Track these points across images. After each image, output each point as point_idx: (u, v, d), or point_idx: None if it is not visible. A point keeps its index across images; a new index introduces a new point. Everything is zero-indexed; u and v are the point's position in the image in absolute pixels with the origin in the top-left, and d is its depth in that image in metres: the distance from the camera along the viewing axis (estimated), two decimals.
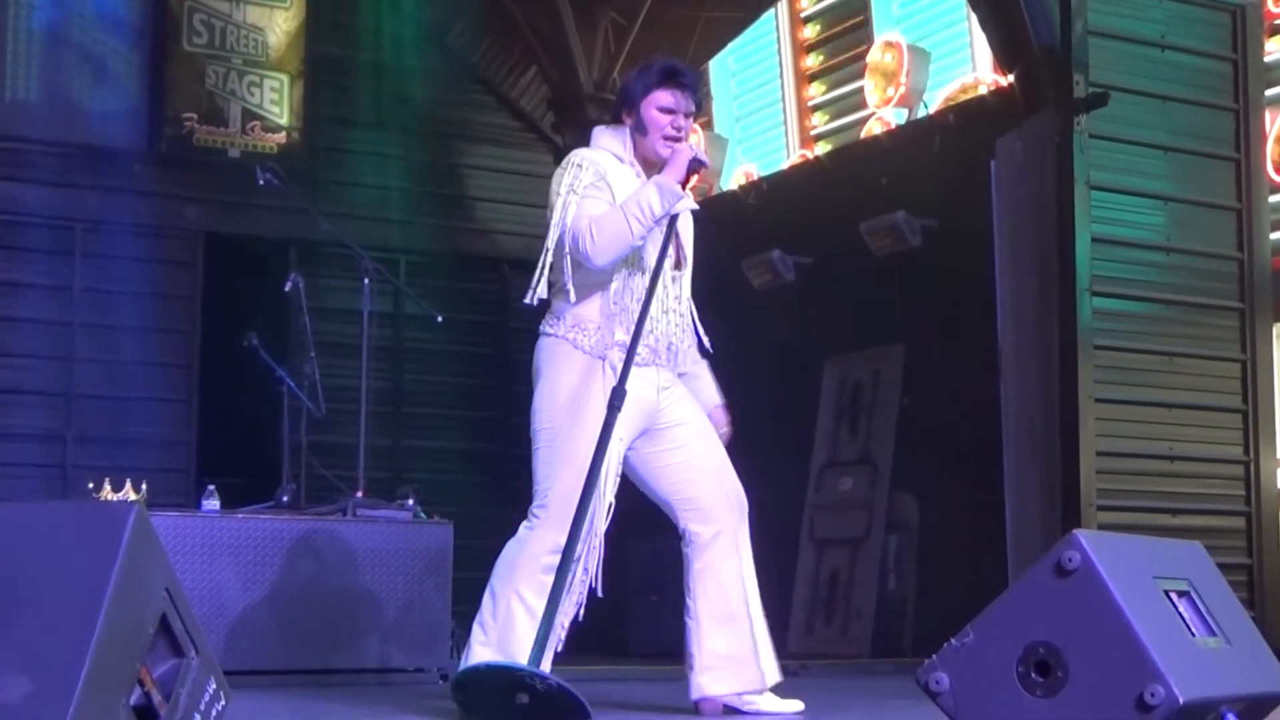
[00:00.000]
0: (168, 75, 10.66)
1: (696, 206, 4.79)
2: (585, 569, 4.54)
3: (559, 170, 4.74)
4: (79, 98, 10.36)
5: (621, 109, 4.82)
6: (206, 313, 10.57)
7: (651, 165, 4.75)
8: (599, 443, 4.22)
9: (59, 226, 10.25)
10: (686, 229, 4.87)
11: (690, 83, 4.83)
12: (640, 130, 4.75)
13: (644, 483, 4.81)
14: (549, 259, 4.64)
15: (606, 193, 4.64)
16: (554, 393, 4.63)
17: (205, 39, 10.75)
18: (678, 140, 4.73)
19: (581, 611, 4.54)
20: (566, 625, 4.53)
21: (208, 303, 10.60)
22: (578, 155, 4.74)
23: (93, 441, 10.06)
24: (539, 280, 4.65)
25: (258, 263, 10.39)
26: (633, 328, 4.49)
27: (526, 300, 4.70)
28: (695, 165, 4.67)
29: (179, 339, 10.55)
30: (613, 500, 4.57)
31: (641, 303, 4.53)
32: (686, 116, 4.79)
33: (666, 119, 4.74)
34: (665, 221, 4.58)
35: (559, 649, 4.53)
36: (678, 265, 4.78)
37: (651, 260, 4.63)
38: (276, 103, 10.92)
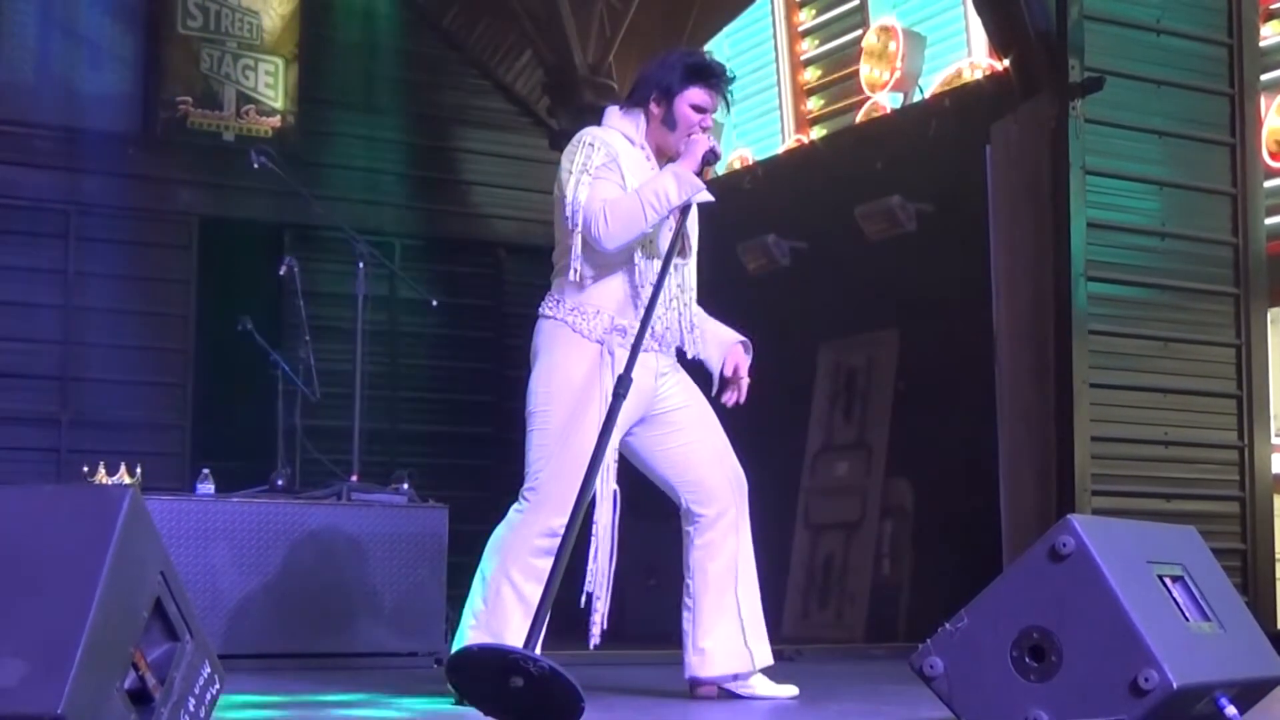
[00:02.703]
0: (162, 59, 10.66)
1: (713, 199, 4.69)
2: (596, 561, 4.53)
3: (570, 147, 4.66)
4: (73, 81, 10.35)
5: (649, 95, 4.72)
6: (200, 297, 10.58)
7: (663, 152, 4.73)
8: (602, 431, 4.18)
9: (53, 210, 10.27)
10: (691, 217, 4.85)
11: (722, 83, 4.77)
12: (669, 124, 4.68)
13: (645, 466, 4.80)
14: (572, 239, 4.55)
15: (617, 174, 4.59)
16: (550, 376, 4.61)
17: (200, 22, 10.74)
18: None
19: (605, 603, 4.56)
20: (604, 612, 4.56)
21: (202, 287, 10.60)
22: (589, 134, 4.68)
23: (87, 425, 10.08)
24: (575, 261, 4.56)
25: (252, 247, 10.39)
26: (641, 314, 4.45)
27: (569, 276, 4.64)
28: (711, 157, 4.64)
29: (173, 323, 10.56)
30: (615, 488, 4.57)
31: (652, 290, 4.47)
32: (713, 114, 4.78)
33: (698, 118, 4.69)
34: (679, 210, 4.55)
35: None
36: (682, 253, 4.70)
37: (665, 246, 4.61)
38: (271, 86, 10.90)
